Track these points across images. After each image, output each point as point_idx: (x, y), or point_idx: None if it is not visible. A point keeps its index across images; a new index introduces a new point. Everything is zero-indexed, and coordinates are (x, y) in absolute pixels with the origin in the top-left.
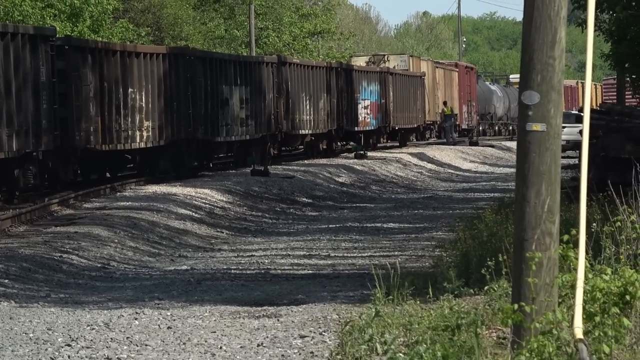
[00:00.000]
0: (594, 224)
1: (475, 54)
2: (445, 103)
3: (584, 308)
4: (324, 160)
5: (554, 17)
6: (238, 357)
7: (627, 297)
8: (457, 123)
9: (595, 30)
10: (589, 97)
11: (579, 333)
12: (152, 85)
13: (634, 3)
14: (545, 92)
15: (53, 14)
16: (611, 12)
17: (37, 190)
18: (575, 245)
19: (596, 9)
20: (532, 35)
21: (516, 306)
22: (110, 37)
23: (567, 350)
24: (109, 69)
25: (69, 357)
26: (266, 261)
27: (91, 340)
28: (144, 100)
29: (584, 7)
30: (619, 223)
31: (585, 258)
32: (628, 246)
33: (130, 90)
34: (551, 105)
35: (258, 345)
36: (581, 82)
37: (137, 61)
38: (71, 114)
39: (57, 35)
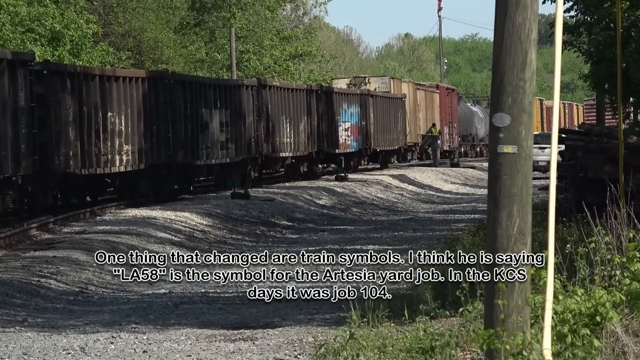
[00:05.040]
0: (569, 245)
1: (457, 75)
2: (434, 125)
3: (555, 329)
4: (304, 183)
5: (524, 40)
6: None
7: (598, 318)
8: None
9: (574, 51)
10: (557, 119)
11: (547, 355)
12: (131, 109)
13: (612, 25)
14: (516, 114)
15: (33, 38)
16: (590, 34)
17: (17, 214)
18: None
19: (574, 30)
20: (502, 57)
21: (492, 331)
22: (90, 61)
23: None
24: (88, 94)
25: None
26: (244, 284)
27: None
28: (123, 124)
29: (563, 29)
30: (593, 244)
31: (559, 279)
32: (602, 267)
33: (109, 114)
34: (522, 127)
35: None
36: (563, 103)
37: (117, 85)
38: (50, 139)
39: (36, 60)
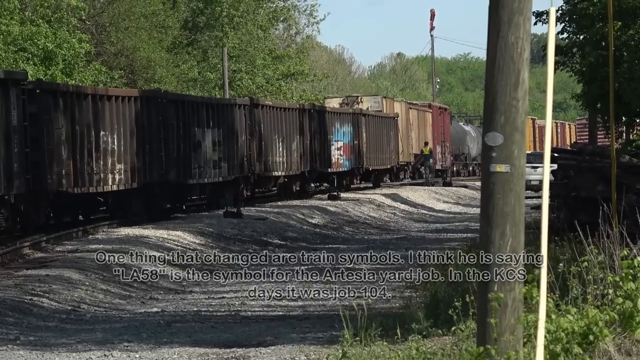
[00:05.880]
0: (561, 264)
1: (449, 94)
2: (426, 143)
3: (548, 348)
4: (297, 202)
5: (517, 59)
6: None
7: (591, 337)
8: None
9: (567, 71)
10: (549, 138)
11: None
12: (124, 128)
13: (604, 44)
14: (508, 133)
15: (26, 57)
16: (582, 54)
17: (9, 233)
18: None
19: (567, 51)
20: (495, 76)
21: (482, 348)
22: (83, 80)
23: None
24: (80, 113)
25: None
26: (237, 303)
27: None
28: (116, 143)
29: (556, 51)
30: (585, 263)
31: (552, 298)
32: (595, 286)
33: (102, 133)
34: (515, 147)
35: None
36: (555, 122)
37: (109, 104)
38: (43, 158)
39: (29, 79)
